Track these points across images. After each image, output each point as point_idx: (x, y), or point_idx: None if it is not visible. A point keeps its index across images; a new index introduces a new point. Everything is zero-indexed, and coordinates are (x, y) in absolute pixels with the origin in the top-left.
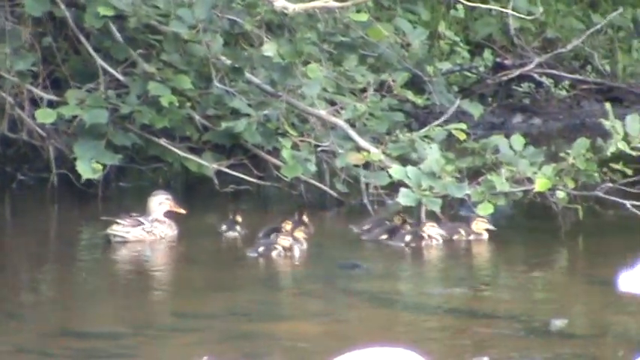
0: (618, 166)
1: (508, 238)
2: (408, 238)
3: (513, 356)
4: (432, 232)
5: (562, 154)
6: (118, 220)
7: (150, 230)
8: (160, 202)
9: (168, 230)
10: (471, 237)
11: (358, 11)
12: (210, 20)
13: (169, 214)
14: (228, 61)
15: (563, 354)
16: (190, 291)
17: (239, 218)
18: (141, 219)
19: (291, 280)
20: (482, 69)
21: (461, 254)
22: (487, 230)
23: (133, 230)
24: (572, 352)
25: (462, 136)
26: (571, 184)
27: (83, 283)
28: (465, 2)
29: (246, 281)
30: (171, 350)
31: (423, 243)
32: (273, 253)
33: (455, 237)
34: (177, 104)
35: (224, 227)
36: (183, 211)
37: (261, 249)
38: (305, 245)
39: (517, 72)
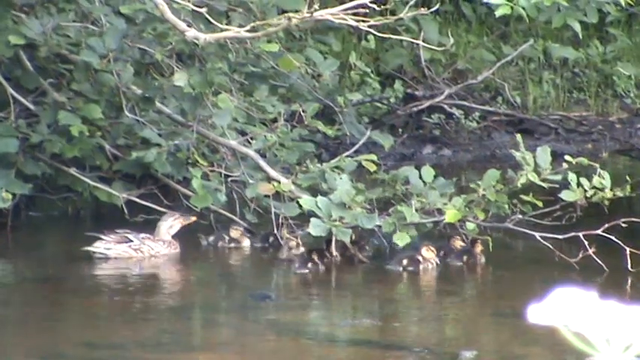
0: (528, 198)
1: (416, 269)
2: (405, 262)
3: None
4: (428, 255)
5: (472, 185)
6: (102, 237)
7: (137, 247)
8: (170, 226)
9: (162, 248)
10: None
11: (269, 41)
12: (121, 50)
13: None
14: (139, 91)
15: None
16: (100, 320)
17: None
18: (130, 236)
19: (201, 309)
20: (392, 100)
21: (370, 284)
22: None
23: (116, 247)
24: None
25: (373, 167)
26: (481, 216)
27: None
28: (376, 33)
29: (155, 310)
30: None
31: (421, 267)
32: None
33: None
34: (87, 133)
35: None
36: (194, 218)
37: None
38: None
39: (427, 103)
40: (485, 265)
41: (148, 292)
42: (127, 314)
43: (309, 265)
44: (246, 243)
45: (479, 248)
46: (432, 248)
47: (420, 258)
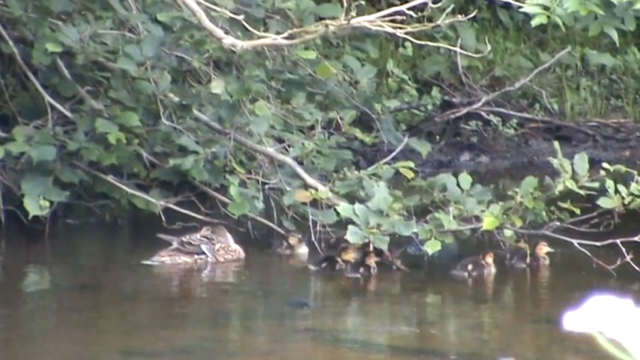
0: (566, 205)
1: (455, 276)
2: (470, 267)
3: None
4: (490, 261)
5: (510, 193)
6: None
7: (203, 259)
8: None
9: (229, 257)
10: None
11: (306, 49)
12: (158, 57)
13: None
14: (176, 99)
15: None
16: (137, 328)
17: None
18: (204, 247)
19: (239, 317)
20: (430, 107)
21: (407, 291)
22: (548, 254)
23: (183, 257)
24: None
25: (410, 174)
26: (518, 223)
27: (29, 321)
28: (413, 40)
29: (192, 318)
30: None
31: (485, 271)
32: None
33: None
34: (124, 141)
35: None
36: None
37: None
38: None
39: (465, 110)
40: (548, 268)
41: (186, 299)
42: (165, 321)
43: (361, 269)
44: (302, 250)
45: (543, 250)
46: (492, 255)
47: (484, 263)
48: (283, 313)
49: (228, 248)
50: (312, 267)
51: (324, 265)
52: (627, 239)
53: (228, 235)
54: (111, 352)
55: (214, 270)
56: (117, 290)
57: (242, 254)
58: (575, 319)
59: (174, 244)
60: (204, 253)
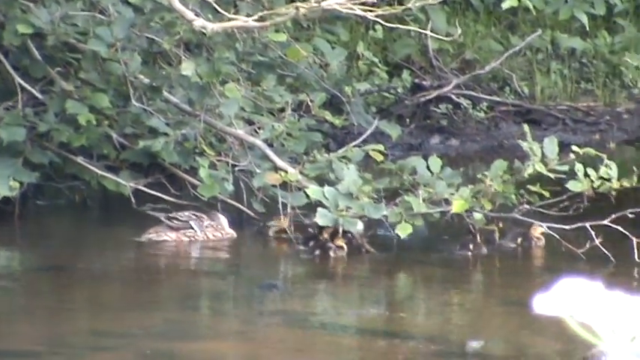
0: (536, 188)
1: (424, 259)
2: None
3: None
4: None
5: (479, 176)
6: (163, 220)
7: (192, 235)
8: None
9: (219, 235)
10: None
11: (277, 31)
12: (129, 39)
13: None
14: (147, 80)
15: None
16: (106, 309)
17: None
18: (193, 223)
19: (209, 299)
20: (400, 90)
21: (377, 274)
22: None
23: (171, 234)
24: None
25: (380, 157)
26: (488, 206)
27: None
28: (384, 23)
29: (162, 299)
30: None
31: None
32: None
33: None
34: (94, 122)
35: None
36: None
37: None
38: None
39: (435, 93)
40: (541, 249)
41: (157, 280)
42: (134, 303)
43: (318, 252)
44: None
45: (538, 231)
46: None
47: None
48: (253, 296)
49: (218, 226)
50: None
51: (311, 246)
52: (597, 223)
53: (221, 217)
54: (80, 333)
55: (188, 251)
56: (86, 271)
57: (234, 236)
58: (545, 302)
59: (162, 220)
60: (192, 228)
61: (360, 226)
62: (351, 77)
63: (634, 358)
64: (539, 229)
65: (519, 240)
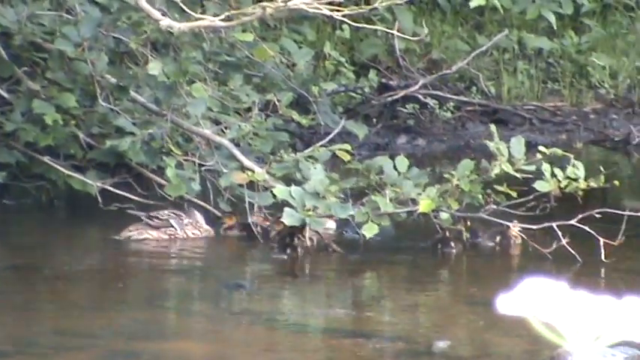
0: (502, 188)
1: (391, 259)
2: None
3: None
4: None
5: (446, 176)
6: (143, 219)
7: (173, 233)
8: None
9: (198, 234)
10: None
11: (244, 31)
12: (96, 38)
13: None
14: (113, 80)
15: None
16: (72, 308)
17: None
18: (173, 222)
19: (175, 298)
20: (367, 90)
21: (343, 274)
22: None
23: (152, 233)
24: None
25: (347, 157)
26: (455, 206)
27: None
28: (351, 23)
29: (129, 298)
30: None
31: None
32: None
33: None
34: (61, 122)
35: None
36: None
37: None
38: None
39: (402, 93)
40: (512, 248)
41: (124, 279)
42: (101, 302)
43: (288, 250)
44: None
45: (516, 229)
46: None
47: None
48: (220, 295)
49: (197, 224)
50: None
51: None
52: (563, 223)
53: (198, 214)
54: (46, 333)
55: (156, 250)
56: (53, 271)
57: (212, 233)
58: (509, 302)
59: (143, 219)
60: (172, 226)
61: (332, 225)
62: (317, 77)
63: (599, 358)
64: (516, 226)
65: (498, 238)
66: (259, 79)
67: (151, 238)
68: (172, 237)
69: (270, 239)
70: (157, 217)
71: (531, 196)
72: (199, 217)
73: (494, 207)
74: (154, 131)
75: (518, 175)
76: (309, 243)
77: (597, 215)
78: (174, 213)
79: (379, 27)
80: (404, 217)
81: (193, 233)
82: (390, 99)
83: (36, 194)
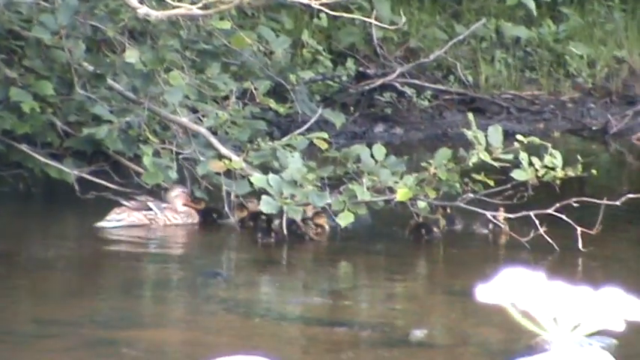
0: (480, 177)
1: (368, 248)
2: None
3: None
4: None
5: (423, 164)
6: (122, 203)
7: (152, 217)
8: (176, 195)
9: (179, 219)
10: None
11: (221, 19)
12: (73, 26)
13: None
14: (91, 68)
15: None
16: (50, 297)
17: None
18: (150, 204)
19: (152, 287)
20: (344, 78)
21: (321, 262)
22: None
23: (132, 215)
24: None
25: (324, 145)
26: (432, 194)
27: None
28: (328, 11)
29: (106, 286)
30: (32, 357)
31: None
32: None
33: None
34: (38, 110)
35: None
36: (200, 206)
37: None
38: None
39: (379, 81)
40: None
41: (101, 267)
42: (78, 290)
43: (272, 235)
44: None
45: (501, 217)
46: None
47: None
48: (197, 283)
49: (177, 210)
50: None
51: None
52: (541, 212)
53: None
54: (24, 321)
55: (134, 238)
56: (30, 259)
57: (195, 217)
58: (488, 292)
59: (122, 203)
60: (151, 209)
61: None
62: (295, 65)
63: (577, 347)
64: (502, 215)
65: (490, 226)
66: (237, 68)
67: (133, 222)
68: (152, 221)
69: (243, 226)
70: (135, 199)
71: (509, 185)
72: (177, 201)
73: (472, 196)
74: (131, 119)
75: (495, 163)
76: (285, 231)
77: (575, 204)
78: (152, 197)
79: (357, 16)
80: (381, 206)
81: (174, 217)
82: (367, 87)
83: (13, 182)
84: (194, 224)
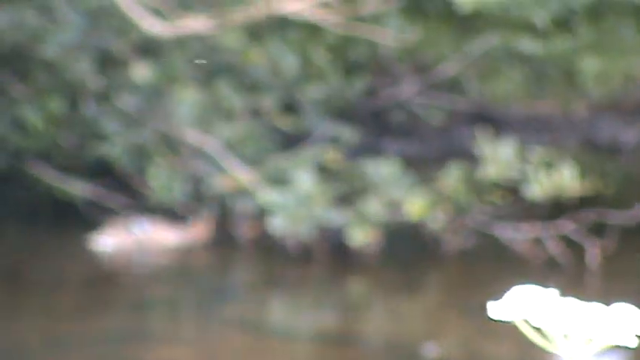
0: (491, 192)
1: (379, 264)
2: None
3: None
4: None
5: (435, 179)
6: (103, 228)
7: (137, 239)
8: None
9: (171, 237)
10: None
11: (231, 35)
12: (81, 43)
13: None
14: (99, 84)
15: None
16: (61, 315)
17: None
18: (133, 226)
19: (161, 304)
20: (354, 93)
21: (332, 278)
22: None
23: (116, 240)
24: None
25: (334, 161)
26: (444, 210)
27: None
28: (338, 28)
29: (117, 304)
30: None
31: None
32: None
33: None
34: (44, 127)
35: None
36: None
37: None
38: None
39: (390, 96)
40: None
41: (112, 284)
42: (89, 308)
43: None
44: None
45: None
46: None
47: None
48: (206, 301)
49: (175, 229)
50: None
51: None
52: (555, 232)
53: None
54: (35, 340)
55: (142, 255)
56: (39, 277)
57: (199, 235)
58: (499, 308)
59: (115, 224)
60: (145, 228)
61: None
62: (304, 81)
63: None
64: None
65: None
66: (246, 83)
67: (127, 241)
68: (145, 240)
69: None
70: (132, 221)
71: (521, 200)
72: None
73: (484, 210)
74: (139, 136)
75: (506, 178)
76: (295, 248)
77: (587, 220)
78: (144, 219)
79: (366, 32)
80: (392, 222)
81: (170, 235)
82: (377, 102)
83: (20, 202)
84: (200, 242)
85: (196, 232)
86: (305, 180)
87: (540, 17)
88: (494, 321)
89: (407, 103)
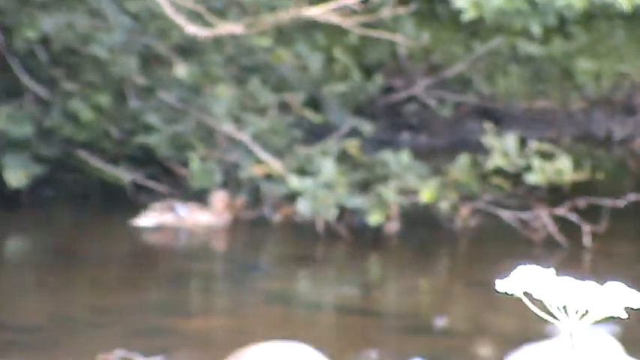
0: (496, 180)
1: (399, 243)
2: None
3: (400, 350)
4: None
5: (446, 168)
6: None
7: (178, 217)
8: (220, 199)
9: (207, 219)
10: None
11: (261, 36)
12: (127, 44)
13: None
14: (143, 81)
15: (445, 348)
16: (106, 288)
17: None
18: (175, 205)
19: (197, 279)
20: (373, 90)
21: (352, 257)
22: None
23: (161, 217)
24: (452, 347)
25: (354, 151)
26: (454, 196)
27: (7, 282)
28: (358, 30)
29: (156, 279)
30: (87, 343)
31: None
32: None
33: None
34: (95, 120)
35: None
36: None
37: None
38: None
39: (405, 93)
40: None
41: (153, 261)
42: (131, 282)
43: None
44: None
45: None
46: None
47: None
48: (238, 276)
49: (210, 210)
50: None
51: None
52: (552, 211)
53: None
54: (82, 308)
55: (179, 234)
56: (88, 254)
57: (228, 216)
58: (505, 284)
59: (157, 207)
60: (180, 212)
61: (353, 203)
62: (328, 79)
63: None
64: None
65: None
66: (275, 81)
67: (164, 222)
68: (181, 221)
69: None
70: (169, 203)
71: (523, 187)
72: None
73: (489, 197)
74: (180, 128)
75: (510, 167)
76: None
77: (582, 205)
78: (182, 201)
79: (384, 33)
80: (406, 207)
81: (202, 219)
82: (393, 99)
83: (72, 186)
84: (229, 223)
85: (230, 214)
86: (328, 168)
87: (536, 27)
88: (500, 295)
89: (419, 99)
